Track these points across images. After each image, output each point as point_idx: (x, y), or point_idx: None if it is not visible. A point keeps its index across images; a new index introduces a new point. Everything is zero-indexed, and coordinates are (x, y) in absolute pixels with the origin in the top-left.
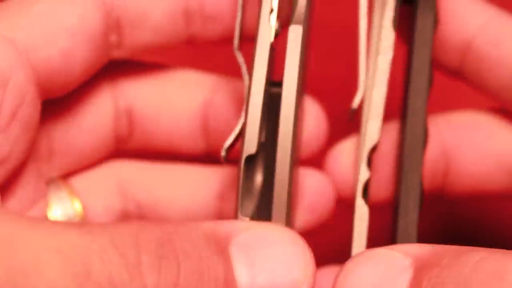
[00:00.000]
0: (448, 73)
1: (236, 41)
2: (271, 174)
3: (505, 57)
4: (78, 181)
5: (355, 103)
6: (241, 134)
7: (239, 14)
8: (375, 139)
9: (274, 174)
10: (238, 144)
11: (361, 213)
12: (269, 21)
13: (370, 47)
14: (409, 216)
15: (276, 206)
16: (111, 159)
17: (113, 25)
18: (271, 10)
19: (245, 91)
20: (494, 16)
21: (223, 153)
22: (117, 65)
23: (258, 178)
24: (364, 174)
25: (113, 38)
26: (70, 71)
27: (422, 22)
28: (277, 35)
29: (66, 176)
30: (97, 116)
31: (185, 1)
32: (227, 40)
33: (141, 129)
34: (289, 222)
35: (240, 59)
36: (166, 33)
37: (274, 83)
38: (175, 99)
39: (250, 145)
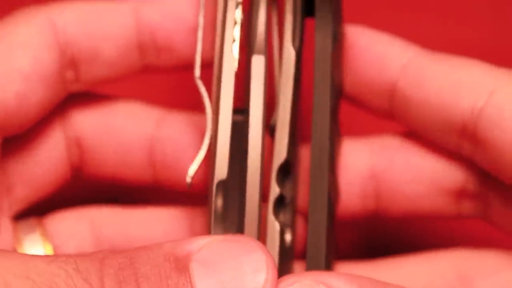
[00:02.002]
0: (382, 117)
1: (197, 71)
2: (240, 197)
3: (427, 98)
4: (51, 222)
5: (273, 120)
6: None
7: (199, 43)
8: (283, 156)
9: (244, 198)
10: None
11: (272, 230)
12: (232, 51)
13: (281, 65)
14: (318, 234)
15: (247, 225)
16: (88, 205)
17: (69, 63)
18: (233, 40)
19: (208, 118)
20: (415, 57)
21: (188, 180)
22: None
23: (228, 201)
24: (274, 191)
25: (69, 74)
26: (26, 112)
27: (320, 39)
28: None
29: (40, 218)
30: (50, 147)
31: (137, 35)
32: (181, 68)
33: (90, 158)
34: (260, 237)
35: (202, 88)
36: (120, 66)
37: (234, 110)
38: (121, 131)
39: (221, 171)
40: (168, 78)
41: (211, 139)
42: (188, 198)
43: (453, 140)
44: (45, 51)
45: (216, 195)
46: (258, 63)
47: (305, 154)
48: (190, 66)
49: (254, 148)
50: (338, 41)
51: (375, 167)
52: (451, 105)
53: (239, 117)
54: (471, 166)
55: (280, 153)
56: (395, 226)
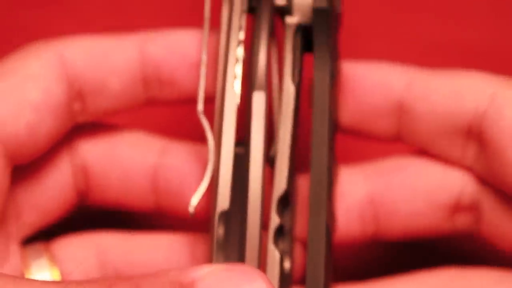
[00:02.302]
0: (386, 141)
1: (200, 105)
2: (241, 226)
3: (434, 108)
4: (58, 247)
5: (272, 152)
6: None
7: (202, 80)
8: (283, 187)
9: (245, 227)
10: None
11: (272, 259)
12: (234, 87)
13: (281, 99)
14: (317, 264)
15: (249, 253)
16: (93, 229)
17: (76, 95)
18: (235, 77)
19: (210, 151)
20: (415, 74)
21: (191, 210)
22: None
23: (229, 230)
24: (274, 221)
25: (76, 106)
26: (36, 142)
27: (319, 75)
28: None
29: (47, 243)
30: (58, 175)
31: (142, 69)
32: (184, 101)
33: (95, 185)
34: (260, 265)
35: (205, 121)
36: (125, 99)
37: (236, 143)
38: (125, 159)
39: (223, 202)
40: (172, 110)
41: (213, 170)
42: (190, 224)
43: (458, 148)
44: (54, 84)
45: (218, 225)
46: (259, 99)
47: (303, 183)
48: (192, 100)
49: (255, 181)
50: (335, 77)
51: (372, 192)
52: (456, 110)
53: (241, 149)
54: (466, 178)
55: (280, 185)
56: (390, 247)
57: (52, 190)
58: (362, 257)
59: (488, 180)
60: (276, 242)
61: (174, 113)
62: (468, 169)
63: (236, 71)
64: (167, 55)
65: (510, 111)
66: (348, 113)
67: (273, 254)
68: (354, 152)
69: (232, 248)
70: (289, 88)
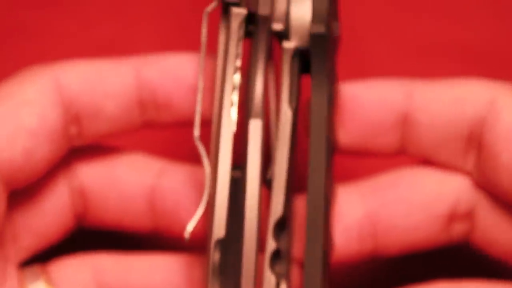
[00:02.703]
0: (387, 156)
1: (196, 131)
2: (237, 250)
3: (436, 118)
4: (55, 269)
5: (269, 174)
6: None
7: (198, 105)
8: (279, 212)
9: (241, 251)
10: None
11: (268, 284)
12: (231, 114)
13: (278, 124)
14: (312, 280)
15: (244, 279)
16: (90, 251)
17: (72, 119)
18: (232, 104)
19: (207, 177)
20: (414, 85)
21: (186, 235)
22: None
23: (226, 259)
24: (270, 245)
25: (73, 130)
26: (33, 167)
27: (316, 99)
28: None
29: (44, 265)
30: (55, 199)
31: (138, 93)
32: (180, 124)
33: (93, 207)
34: None
35: (201, 147)
36: (121, 122)
37: (234, 167)
38: (123, 181)
39: (219, 230)
40: (171, 131)
41: (209, 196)
42: (188, 244)
43: (460, 155)
44: (50, 109)
45: (214, 252)
46: (255, 127)
47: (299, 204)
48: (189, 123)
49: (251, 210)
50: (333, 100)
51: (368, 210)
52: (457, 118)
53: (237, 173)
54: (462, 185)
55: (277, 210)
56: (385, 261)
57: (50, 213)
58: (355, 271)
59: (483, 186)
60: (272, 266)
61: (174, 134)
62: (467, 175)
63: (232, 98)
64: (163, 79)
65: (507, 116)
66: (349, 134)
67: (269, 279)
68: (348, 168)
69: (228, 273)
70: (286, 113)
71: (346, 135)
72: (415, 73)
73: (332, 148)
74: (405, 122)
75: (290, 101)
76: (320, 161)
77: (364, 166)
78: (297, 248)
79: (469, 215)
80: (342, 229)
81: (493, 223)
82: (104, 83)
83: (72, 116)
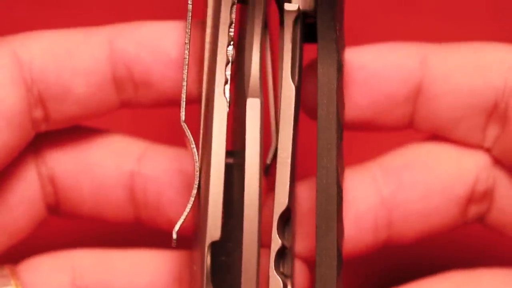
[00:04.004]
0: (394, 130)
1: (182, 114)
2: (236, 249)
3: (456, 87)
4: (27, 270)
5: (268, 158)
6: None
7: (184, 85)
8: (284, 204)
9: (241, 250)
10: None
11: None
12: (224, 93)
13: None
14: (326, 282)
15: (245, 282)
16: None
17: (36, 101)
18: (226, 81)
19: (196, 167)
20: (432, 51)
21: (174, 236)
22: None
23: (221, 259)
24: (276, 242)
25: (37, 113)
26: None
27: (325, 71)
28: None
29: (13, 267)
30: (24, 189)
31: (112, 68)
32: (163, 104)
33: (65, 197)
34: None
35: (188, 132)
36: (95, 103)
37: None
38: (98, 167)
39: (214, 231)
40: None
41: (200, 186)
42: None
43: (479, 129)
44: (9, 89)
45: (208, 255)
46: (253, 107)
47: (302, 192)
48: (172, 102)
49: (251, 205)
50: (341, 71)
51: (383, 195)
52: (482, 87)
53: (229, 160)
54: (481, 162)
55: (281, 201)
56: (400, 252)
57: (19, 207)
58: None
59: (505, 162)
60: (277, 267)
61: (157, 110)
62: (485, 151)
63: (226, 74)
64: (140, 52)
65: None
66: (358, 108)
67: (276, 283)
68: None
69: (224, 275)
70: (289, 88)
71: (354, 109)
72: None
73: (342, 126)
74: (419, 93)
75: (293, 74)
76: (331, 143)
77: (364, 139)
78: (300, 242)
79: (487, 195)
80: (354, 218)
81: (511, 202)
82: (73, 58)
83: (36, 98)
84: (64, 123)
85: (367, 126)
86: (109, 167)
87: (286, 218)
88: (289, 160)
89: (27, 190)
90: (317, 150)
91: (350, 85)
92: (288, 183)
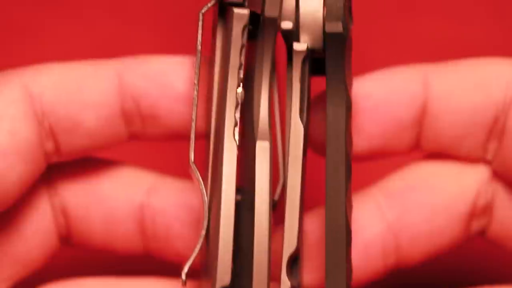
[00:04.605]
0: (402, 154)
1: (191, 154)
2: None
3: (458, 104)
4: None
5: (276, 194)
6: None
7: (193, 126)
8: (293, 246)
9: None
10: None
11: None
12: (234, 136)
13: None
14: None
15: None
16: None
17: (47, 134)
18: (235, 124)
19: (205, 205)
20: (431, 71)
21: (183, 277)
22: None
23: None
24: (285, 284)
25: (49, 145)
26: (6, 191)
27: (334, 110)
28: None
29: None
30: (37, 221)
31: (120, 102)
32: (170, 138)
33: (76, 228)
34: None
35: (197, 173)
36: (104, 136)
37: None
38: (109, 199)
39: (224, 276)
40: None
41: (209, 224)
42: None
43: (481, 144)
44: (22, 123)
45: None
46: (263, 150)
47: (309, 224)
48: (180, 136)
49: (261, 252)
50: (350, 108)
51: (388, 219)
52: (483, 103)
53: (238, 197)
54: (480, 176)
55: (291, 243)
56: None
57: (32, 238)
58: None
59: (503, 175)
60: None
61: (167, 142)
62: (485, 164)
63: (236, 116)
64: (147, 86)
65: None
66: (369, 138)
67: None
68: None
69: None
70: (297, 127)
71: (364, 139)
72: None
73: (350, 162)
74: (424, 114)
75: (301, 112)
76: (339, 185)
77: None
78: (308, 275)
79: (488, 208)
80: (363, 247)
81: (510, 215)
82: (82, 91)
83: (47, 130)
84: (74, 155)
85: (377, 155)
86: (120, 199)
87: (296, 260)
88: (297, 201)
89: (41, 221)
90: (326, 191)
91: (359, 115)
92: (297, 225)
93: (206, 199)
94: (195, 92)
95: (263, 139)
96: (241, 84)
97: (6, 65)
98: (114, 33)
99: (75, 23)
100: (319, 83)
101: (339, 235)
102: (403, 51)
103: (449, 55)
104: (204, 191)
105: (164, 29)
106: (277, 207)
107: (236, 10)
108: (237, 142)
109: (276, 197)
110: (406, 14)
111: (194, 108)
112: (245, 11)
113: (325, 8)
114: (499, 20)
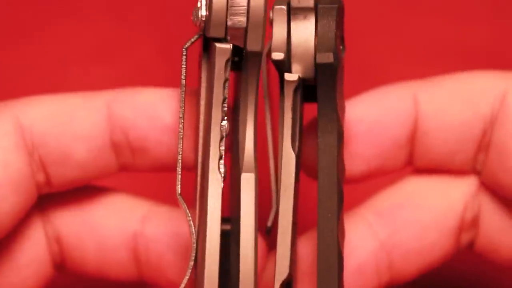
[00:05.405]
0: (396, 172)
1: (178, 187)
2: None
3: (448, 120)
4: None
5: (269, 221)
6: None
7: (179, 158)
8: (285, 272)
9: None
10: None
11: None
12: (219, 169)
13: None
14: None
15: None
16: None
17: (38, 165)
18: (220, 157)
19: (192, 237)
20: (419, 87)
21: None
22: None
23: None
24: None
25: (40, 177)
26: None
27: (325, 137)
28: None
29: None
30: (31, 249)
31: (109, 134)
32: (160, 170)
33: (69, 256)
34: None
35: (184, 206)
36: (95, 167)
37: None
38: (102, 227)
39: None
40: None
41: (197, 254)
42: None
43: (471, 158)
44: (13, 155)
45: None
46: (248, 181)
47: (302, 248)
48: (169, 168)
49: (247, 284)
50: (342, 136)
51: (380, 238)
52: (472, 118)
53: (225, 226)
54: (466, 189)
55: (282, 270)
56: None
57: (28, 267)
58: None
59: (490, 187)
60: None
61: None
62: (474, 175)
63: (220, 149)
64: (136, 117)
65: None
66: (365, 160)
67: None
68: None
69: None
70: (289, 157)
71: (360, 163)
72: (414, 73)
73: (342, 189)
74: (416, 131)
75: (293, 141)
76: (331, 213)
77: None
78: None
79: (475, 221)
80: (357, 267)
81: (498, 227)
82: (72, 123)
83: (37, 162)
84: (66, 186)
85: (373, 176)
86: (113, 227)
87: (288, 283)
88: (289, 229)
89: (35, 250)
90: (318, 219)
91: (352, 139)
92: (289, 252)
93: (193, 230)
94: (181, 125)
95: (248, 171)
96: (225, 118)
97: (6, 65)
98: (114, 33)
99: (75, 23)
100: (313, 107)
101: (331, 262)
102: (403, 51)
103: (449, 55)
104: (191, 222)
105: (164, 29)
106: (271, 232)
107: (219, 45)
108: (222, 174)
109: (269, 223)
110: (406, 14)
111: (180, 141)
112: (227, 46)
113: (316, 38)
114: (499, 20)
